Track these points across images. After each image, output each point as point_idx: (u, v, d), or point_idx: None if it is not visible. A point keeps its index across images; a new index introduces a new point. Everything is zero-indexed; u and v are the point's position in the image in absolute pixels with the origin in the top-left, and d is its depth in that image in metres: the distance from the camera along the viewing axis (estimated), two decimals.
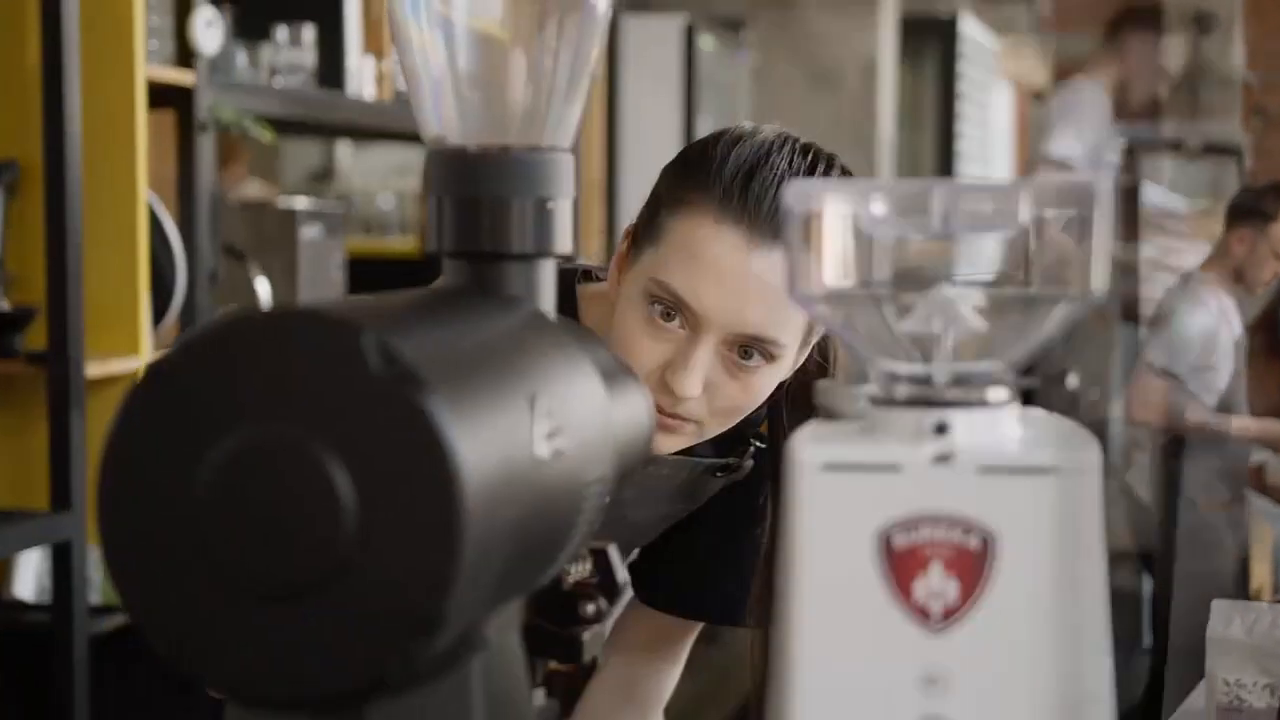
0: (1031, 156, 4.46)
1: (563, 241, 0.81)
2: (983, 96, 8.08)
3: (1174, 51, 4.56)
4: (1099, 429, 4.40)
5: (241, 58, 2.98)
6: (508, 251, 0.79)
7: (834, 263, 0.72)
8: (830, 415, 0.77)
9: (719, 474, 1.45)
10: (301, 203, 3.22)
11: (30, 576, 2.63)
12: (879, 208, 0.70)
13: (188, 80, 2.68)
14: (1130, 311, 4.83)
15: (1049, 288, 0.70)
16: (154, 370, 0.63)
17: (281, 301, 2.98)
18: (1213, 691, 1.94)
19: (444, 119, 0.81)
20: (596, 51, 0.84)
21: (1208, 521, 4.48)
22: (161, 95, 2.66)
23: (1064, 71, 9.70)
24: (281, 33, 3.05)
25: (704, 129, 6.35)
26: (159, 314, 2.61)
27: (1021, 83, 9.23)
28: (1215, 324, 4.39)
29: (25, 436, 2.47)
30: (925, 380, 0.71)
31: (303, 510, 0.61)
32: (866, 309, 0.72)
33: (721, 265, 1.25)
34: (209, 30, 2.66)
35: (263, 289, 2.96)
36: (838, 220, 0.71)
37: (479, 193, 0.79)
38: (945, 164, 7.39)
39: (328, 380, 0.61)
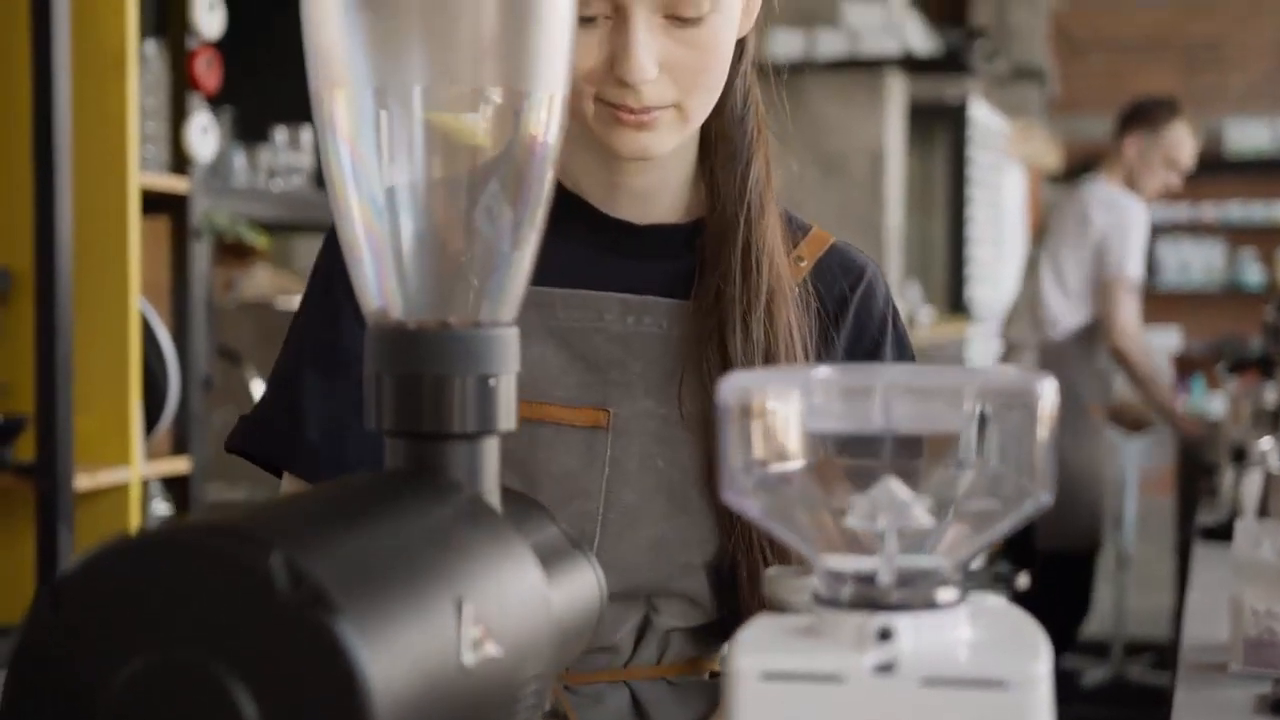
0: (1090, 264, 4.40)
1: (507, 418, 0.79)
2: (994, 179, 8.09)
3: (1183, 139, 4.55)
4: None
5: (240, 159, 2.98)
6: (449, 431, 0.77)
7: (773, 456, 0.69)
8: (777, 606, 0.75)
9: None
10: None
11: None
12: (819, 400, 0.68)
13: (182, 187, 2.68)
14: (1119, 416, 4.80)
15: (996, 492, 0.67)
16: (57, 588, 0.60)
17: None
18: (1239, 621, 1.80)
19: (385, 292, 0.79)
20: (541, 215, 0.82)
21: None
22: (156, 201, 2.66)
23: (1074, 154, 9.73)
24: (280, 134, 3.05)
25: None
26: (151, 422, 2.59)
27: (1033, 164, 9.24)
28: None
29: (13, 550, 2.45)
30: (870, 578, 0.68)
31: None
32: (808, 503, 0.69)
33: None
34: (204, 136, 2.66)
35: (259, 391, 2.94)
36: (776, 413, 0.68)
37: (419, 370, 0.77)
38: (956, 248, 7.38)
39: (234, 601, 0.59)
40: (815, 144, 5.43)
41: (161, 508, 2.87)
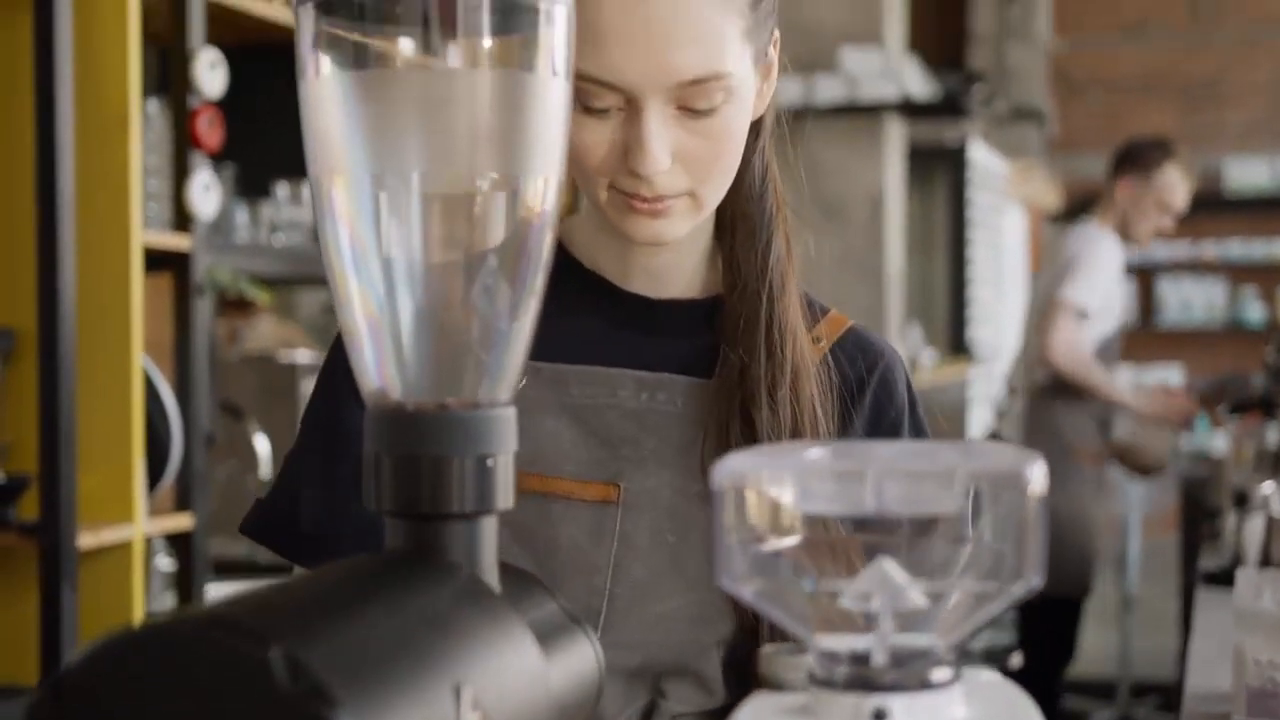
0: (1045, 294, 4.44)
1: (505, 497, 0.80)
2: (994, 219, 8.11)
3: (1175, 182, 4.53)
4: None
5: (242, 214, 2.99)
6: (447, 511, 0.78)
7: (767, 538, 0.70)
8: (774, 685, 0.75)
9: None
10: (304, 356, 3.23)
11: None
12: (812, 483, 0.69)
13: (184, 245, 2.69)
14: (1125, 458, 4.75)
15: (989, 573, 0.68)
16: (59, 682, 0.61)
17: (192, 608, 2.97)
18: (1241, 672, 1.80)
19: (383, 374, 0.80)
20: (538, 293, 0.83)
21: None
22: (159, 258, 2.67)
23: (1074, 192, 9.76)
24: (282, 189, 3.07)
25: None
26: (155, 479, 2.60)
27: (1033, 203, 9.27)
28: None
29: (16, 609, 2.45)
30: (864, 658, 0.69)
31: None
32: (802, 585, 0.70)
33: (620, 24, 1.10)
34: (206, 194, 2.67)
35: (262, 446, 2.95)
36: (769, 496, 0.69)
37: (418, 451, 0.78)
38: (957, 289, 7.40)
39: (234, 694, 0.59)
40: (815, 188, 5.42)
41: (165, 563, 2.87)
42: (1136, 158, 4.43)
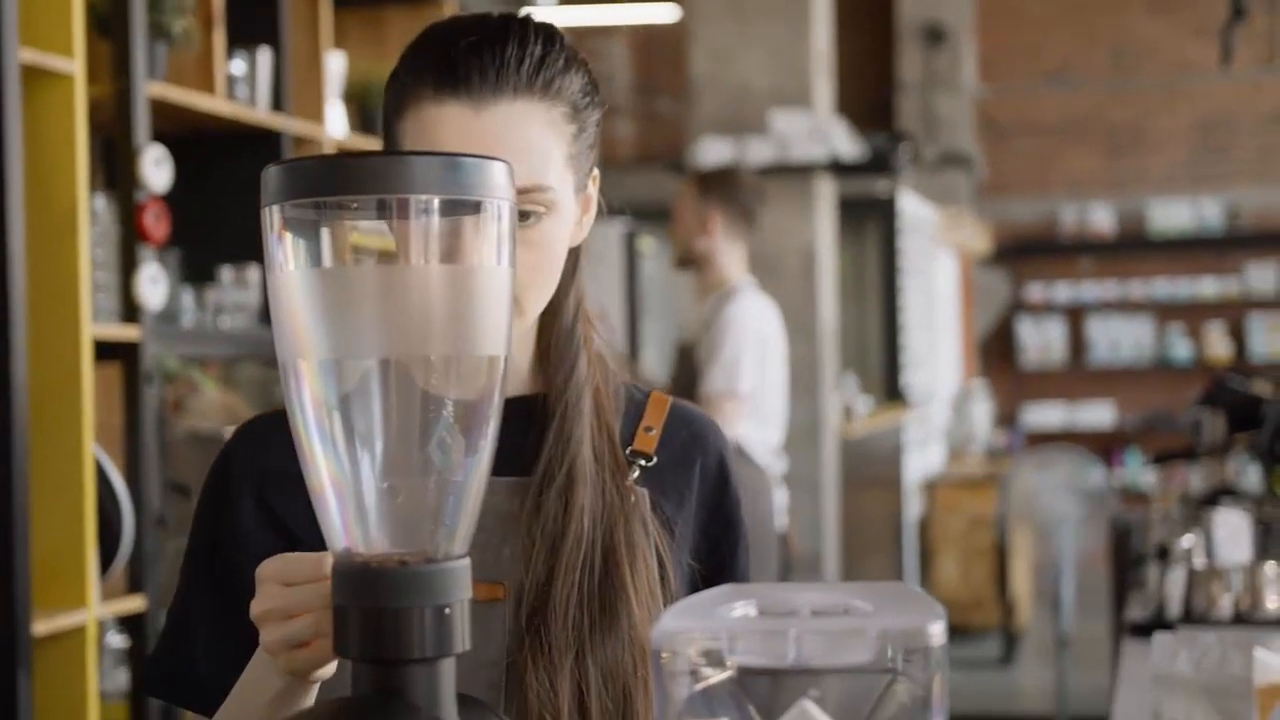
0: None
1: (462, 640, 0.88)
2: (925, 265, 8.25)
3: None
4: None
5: (189, 299, 3.06)
6: (409, 658, 0.86)
7: (701, 685, 0.78)
8: None
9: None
10: None
11: None
12: (740, 643, 0.77)
13: (133, 335, 2.75)
14: None
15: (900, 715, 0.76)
16: None
17: None
18: None
19: (349, 535, 0.89)
20: (487, 458, 0.91)
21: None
22: (109, 348, 2.73)
23: (1004, 235, 9.94)
24: (227, 273, 3.13)
25: (648, 329, 6.48)
26: (107, 563, 2.65)
27: (964, 248, 9.44)
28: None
29: None
30: None
31: None
32: None
33: (453, 138, 1.18)
34: (154, 286, 2.74)
35: None
36: (702, 651, 0.78)
37: (381, 604, 0.86)
38: (890, 336, 7.53)
39: None
40: (749, 246, 5.53)
41: (117, 641, 2.92)
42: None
